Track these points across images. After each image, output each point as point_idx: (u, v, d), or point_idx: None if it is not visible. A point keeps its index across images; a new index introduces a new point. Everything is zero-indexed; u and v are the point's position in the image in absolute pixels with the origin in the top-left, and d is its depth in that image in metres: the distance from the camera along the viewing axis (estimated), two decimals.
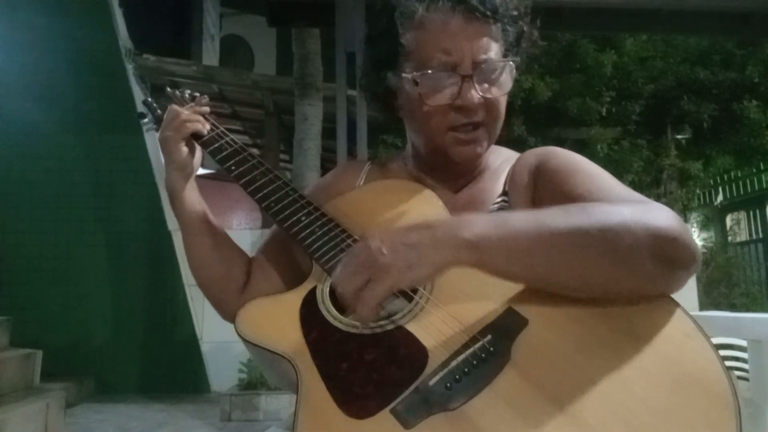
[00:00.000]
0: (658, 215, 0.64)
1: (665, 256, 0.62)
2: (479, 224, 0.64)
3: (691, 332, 0.61)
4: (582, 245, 0.62)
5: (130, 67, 5.44)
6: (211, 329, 4.99)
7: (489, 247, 0.63)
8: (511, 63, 0.84)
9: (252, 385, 4.24)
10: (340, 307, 0.72)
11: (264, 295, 0.79)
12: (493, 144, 0.96)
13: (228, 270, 0.92)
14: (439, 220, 0.67)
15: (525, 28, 0.88)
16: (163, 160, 0.93)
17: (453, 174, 0.91)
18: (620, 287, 0.64)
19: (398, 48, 0.83)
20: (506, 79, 0.83)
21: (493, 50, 0.82)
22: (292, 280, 0.86)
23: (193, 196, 0.92)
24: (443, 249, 0.63)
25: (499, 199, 0.87)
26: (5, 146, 5.18)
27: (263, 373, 3.97)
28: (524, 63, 0.89)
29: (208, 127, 0.95)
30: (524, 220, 0.65)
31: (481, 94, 0.80)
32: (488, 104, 0.82)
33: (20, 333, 4.00)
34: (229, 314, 0.89)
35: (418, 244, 0.63)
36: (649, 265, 0.62)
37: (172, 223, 5.21)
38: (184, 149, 0.91)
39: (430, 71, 0.80)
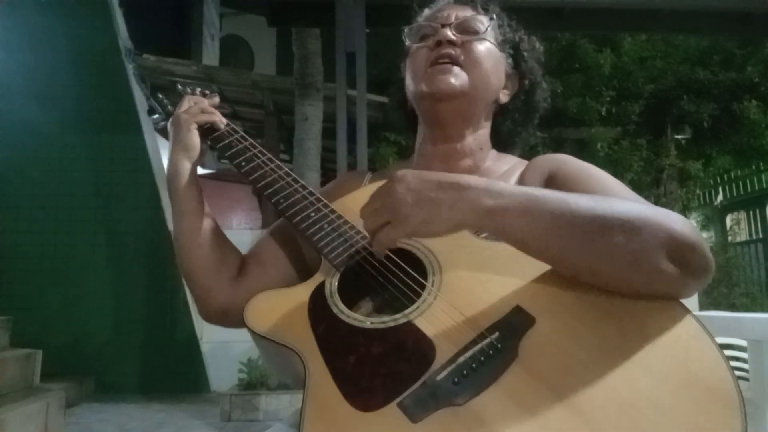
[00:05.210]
0: (678, 220, 0.65)
1: (680, 259, 0.63)
2: (505, 194, 0.66)
3: (697, 333, 0.61)
4: (601, 231, 0.64)
5: (130, 67, 5.43)
6: (211, 329, 4.98)
7: (509, 219, 0.65)
8: (491, 18, 0.94)
9: (252, 385, 4.24)
10: (348, 301, 0.73)
11: (260, 290, 0.79)
12: (496, 148, 0.99)
13: (223, 256, 0.91)
14: (470, 181, 0.67)
15: (522, 37, 0.99)
16: (171, 140, 0.93)
17: (443, 126, 0.93)
18: (631, 281, 0.64)
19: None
20: (484, 32, 0.93)
21: (478, 24, 0.93)
22: (289, 278, 0.89)
23: (192, 181, 0.92)
24: (464, 211, 0.66)
25: None
26: (5, 146, 5.17)
27: (268, 368, 3.97)
28: (534, 69, 1.00)
29: (225, 121, 0.97)
30: (550, 197, 0.67)
31: (454, 34, 0.91)
32: (466, 47, 0.91)
33: (20, 333, 3.98)
34: (216, 305, 0.89)
35: (441, 201, 0.66)
36: (664, 264, 0.63)
37: (172, 223, 5.19)
38: (195, 132, 0.93)
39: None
